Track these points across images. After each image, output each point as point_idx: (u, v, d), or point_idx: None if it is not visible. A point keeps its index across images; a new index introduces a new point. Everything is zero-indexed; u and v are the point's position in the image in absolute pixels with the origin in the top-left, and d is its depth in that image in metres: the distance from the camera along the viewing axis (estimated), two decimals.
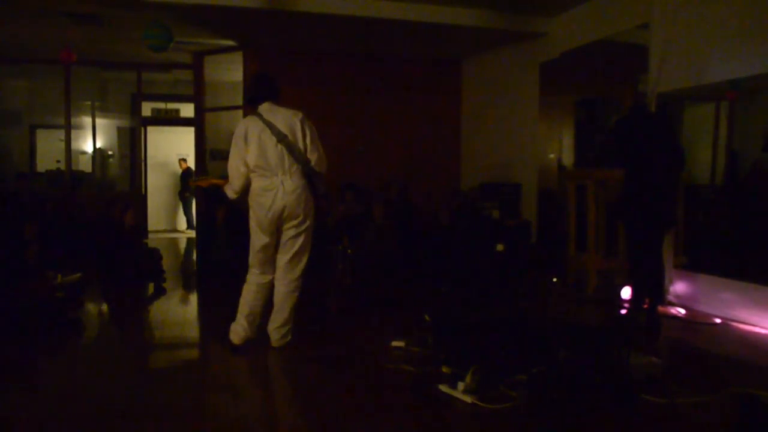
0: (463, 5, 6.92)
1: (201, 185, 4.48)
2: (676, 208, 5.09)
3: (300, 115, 4.05)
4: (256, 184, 3.99)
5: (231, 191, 4.11)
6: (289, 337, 4.22)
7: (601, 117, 7.25)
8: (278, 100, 4.09)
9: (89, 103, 10.63)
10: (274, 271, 4.16)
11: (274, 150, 3.92)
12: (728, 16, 5.08)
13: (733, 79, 5.09)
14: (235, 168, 4.01)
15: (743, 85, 5.15)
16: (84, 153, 11.07)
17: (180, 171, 12.09)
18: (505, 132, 8.38)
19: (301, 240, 4.07)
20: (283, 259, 4.11)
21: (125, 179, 11.31)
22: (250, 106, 4.19)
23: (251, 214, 4.06)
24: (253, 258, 4.11)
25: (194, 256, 8.58)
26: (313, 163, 4.03)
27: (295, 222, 4.01)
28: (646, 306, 4.85)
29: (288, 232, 4.04)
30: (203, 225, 8.39)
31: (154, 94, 11.16)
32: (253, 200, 4.03)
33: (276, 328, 4.17)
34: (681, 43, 5.46)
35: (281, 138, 3.92)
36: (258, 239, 4.05)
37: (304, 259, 4.14)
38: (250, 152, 3.93)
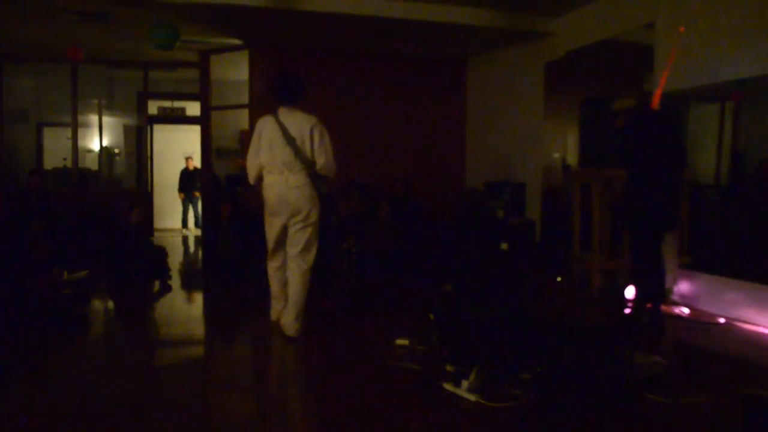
0: (469, 5, 6.92)
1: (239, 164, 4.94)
2: (678, 209, 5.09)
3: (313, 121, 4.34)
4: (266, 179, 4.41)
5: (249, 178, 4.57)
6: (299, 326, 4.42)
7: (606, 117, 7.23)
8: (297, 103, 4.39)
9: (96, 101, 10.66)
10: (283, 259, 4.52)
11: (282, 151, 4.27)
12: (734, 16, 5.07)
13: (739, 79, 5.09)
14: (251, 161, 4.46)
15: (749, 86, 5.15)
16: (90, 151, 11.11)
17: (184, 169, 11.87)
18: (510, 131, 8.38)
19: (307, 233, 4.39)
20: (293, 251, 4.41)
21: (131, 177, 11.34)
22: (275, 102, 4.46)
23: (264, 203, 4.47)
24: (268, 245, 4.56)
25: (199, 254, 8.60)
26: (318, 167, 4.33)
27: (300, 216, 4.34)
28: (649, 306, 4.86)
29: (295, 226, 4.38)
30: (209, 222, 8.42)
31: (160, 93, 11.19)
32: (263, 192, 4.45)
33: (291, 320, 4.39)
34: (686, 43, 5.46)
35: (290, 141, 4.26)
36: (268, 226, 4.49)
37: (313, 250, 4.46)
38: (262, 150, 4.35)
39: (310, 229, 4.38)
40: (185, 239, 11.10)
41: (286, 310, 4.46)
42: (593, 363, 3.29)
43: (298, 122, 4.30)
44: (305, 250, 4.40)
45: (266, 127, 4.35)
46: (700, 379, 3.67)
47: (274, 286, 4.62)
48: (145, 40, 7.12)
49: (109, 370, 3.90)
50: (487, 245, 6.62)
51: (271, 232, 4.48)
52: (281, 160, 4.27)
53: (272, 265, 4.59)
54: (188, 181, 11.63)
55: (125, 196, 8.76)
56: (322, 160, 4.32)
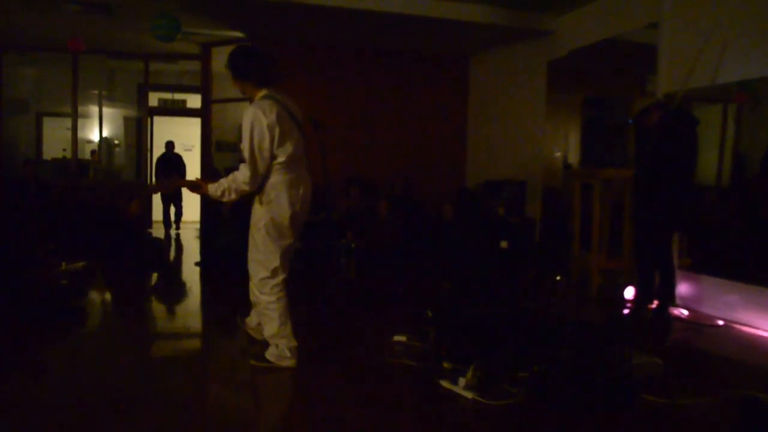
0: (472, 2, 6.90)
1: (163, 191, 3.96)
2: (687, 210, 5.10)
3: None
4: (280, 177, 3.48)
5: (247, 185, 3.47)
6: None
7: (607, 116, 7.21)
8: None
9: (96, 92, 10.65)
10: None
11: (299, 140, 3.54)
12: (737, 17, 5.05)
13: (743, 80, 5.07)
14: (264, 159, 3.42)
15: (752, 87, 5.12)
16: (90, 142, 11.10)
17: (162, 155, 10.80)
18: (511, 129, 8.36)
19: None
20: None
21: (131, 169, 11.33)
22: (255, 86, 3.57)
23: (269, 212, 3.52)
24: (279, 263, 3.58)
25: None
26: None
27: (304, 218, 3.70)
28: (653, 306, 4.86)
29: (299, 229, 3.67)
30: (209, 215, 8.40)
31: (161, 85, 11.18)
32: (274, 196, 3.50)
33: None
34: (690, 43, 5.44)
35: (300, 127, 3.57)
36: (283, 239, 3.56)
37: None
38: (280, 142, 3.44)
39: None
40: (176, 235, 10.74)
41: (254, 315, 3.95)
42: (591, 363, 3.28)
43: (294, 104, 3.57)
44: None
45: (279, 113, 3.44)
46: (698, 380, 3.66)
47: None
48: (147, 32, 7.10)
49: (105, 363, 3.88)
50: (487, 243, 6.61)
51: (287, 244, 3.60)
52: (299, 151, 3.53)
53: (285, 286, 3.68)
54: (166, 170, 10.35)
55: (125, 188, 8.71)
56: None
